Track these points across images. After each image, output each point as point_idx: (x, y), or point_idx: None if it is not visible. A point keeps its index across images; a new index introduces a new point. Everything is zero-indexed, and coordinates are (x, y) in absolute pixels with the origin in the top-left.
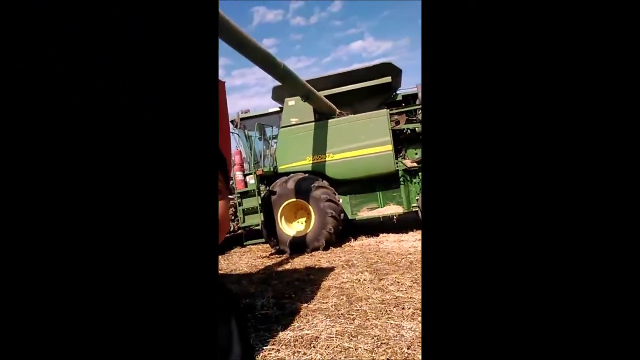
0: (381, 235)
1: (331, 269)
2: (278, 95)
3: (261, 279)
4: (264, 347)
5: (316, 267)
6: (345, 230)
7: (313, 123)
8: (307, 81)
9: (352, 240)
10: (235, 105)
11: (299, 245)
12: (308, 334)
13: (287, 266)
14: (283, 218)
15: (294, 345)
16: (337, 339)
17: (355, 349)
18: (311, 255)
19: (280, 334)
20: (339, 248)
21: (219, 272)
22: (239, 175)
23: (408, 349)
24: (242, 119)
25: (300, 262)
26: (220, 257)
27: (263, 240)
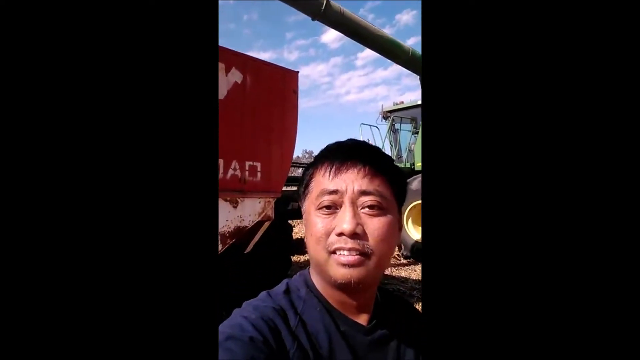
0: None
1: None
2: None
3: None
4: None
5: None
6: None
7: None
8: None
9: None
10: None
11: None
12: None
13: (403, 272)
14: (410, 220)
15: None
16: None
17: None
18: None
19: None
20: None
21: None
22: None
23: None
24: (388, 112)
25: (419, 272)
26: None
27: None
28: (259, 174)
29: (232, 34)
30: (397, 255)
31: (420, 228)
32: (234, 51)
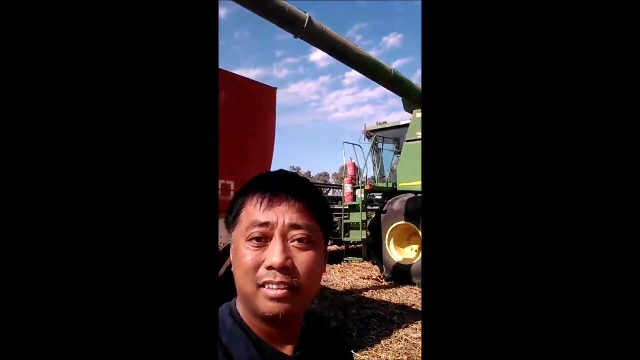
0: None
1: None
2: (408, 105)
3: (344, 302)
4: None
5: (412, 307)
6: None
7: None
8: None
9: None
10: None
11: (404, 274)
12: None
13: (384, 296)
14: (392, 241)
15: None
16: None
17: None
18: (419, 291)
19: None
20: None
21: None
22: (347, 187)
23: None
24: (372, 131)
25: (401, 296)
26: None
27: (361, 258)
28: (231, 193)
29: (222, 50)
30: (379, 277)
31: (402, 249)
32: None
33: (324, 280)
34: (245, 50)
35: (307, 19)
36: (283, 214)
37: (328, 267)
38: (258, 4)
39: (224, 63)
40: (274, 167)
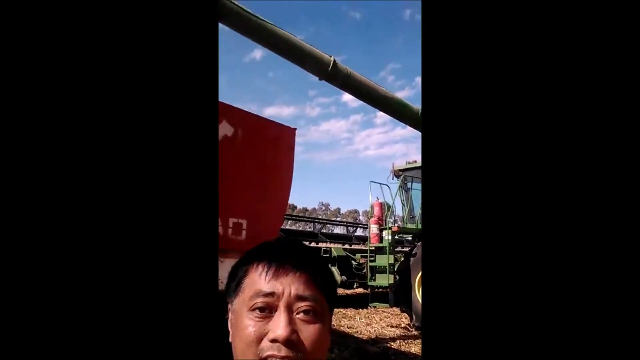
0: None
1: None
2: None
3: (367, 353)
4: None
5: None
6: None
7: None
8: None
9: None
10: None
11: None
12: None
13: (413, 347)
14: (421, 288)
15: None
16: None
17: None
18: None
19: None
20: None
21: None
22: (374, 228)
23: None
24: (400, 170)
25: None
26: (344, 313)
27: (388, 305)
28: (244, 232)
29: (257, 89)
30: (408, 325)
31: None
32: (226, 104)
33: (347, 327)
34: (279, 89)
35: (331, 63)
36: (289, 285)
37: (353, 311)
38: (284, 48)
39: (259, 101)
40: (303, 203)
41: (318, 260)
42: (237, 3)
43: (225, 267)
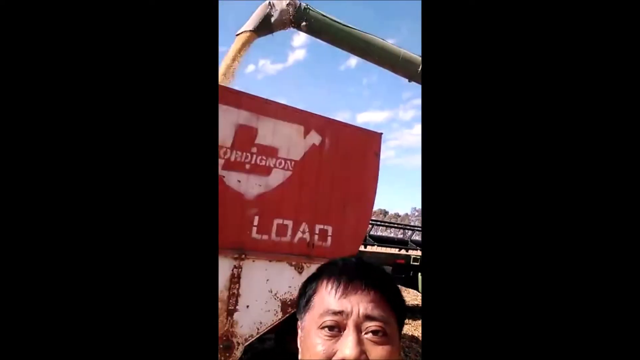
0: None
1: None
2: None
3: None
4: None
5: None
6: None
7: None
8: None
9: None
10: None
11: None
12: None
13: None
14: None
15: None
16: None
17: None
18: None
19: None
20: None
21: None
22: None
23: None
24: None
25: None
26: None
27: None
28: (329, 239)
29: (351, 96)
30: None
31: None
32: (313, 114)
33: None
34: (373, 94)
35: (421, 65)
36: (358, 303)
37: None
38: (373, 53)
39: (354, 107)
40: (395, 209)
41: (387, 280)
42: (328, 15)
43: (310, 272)
